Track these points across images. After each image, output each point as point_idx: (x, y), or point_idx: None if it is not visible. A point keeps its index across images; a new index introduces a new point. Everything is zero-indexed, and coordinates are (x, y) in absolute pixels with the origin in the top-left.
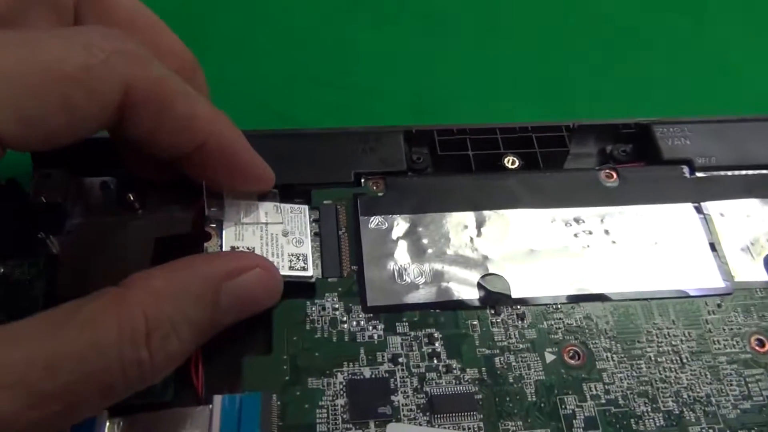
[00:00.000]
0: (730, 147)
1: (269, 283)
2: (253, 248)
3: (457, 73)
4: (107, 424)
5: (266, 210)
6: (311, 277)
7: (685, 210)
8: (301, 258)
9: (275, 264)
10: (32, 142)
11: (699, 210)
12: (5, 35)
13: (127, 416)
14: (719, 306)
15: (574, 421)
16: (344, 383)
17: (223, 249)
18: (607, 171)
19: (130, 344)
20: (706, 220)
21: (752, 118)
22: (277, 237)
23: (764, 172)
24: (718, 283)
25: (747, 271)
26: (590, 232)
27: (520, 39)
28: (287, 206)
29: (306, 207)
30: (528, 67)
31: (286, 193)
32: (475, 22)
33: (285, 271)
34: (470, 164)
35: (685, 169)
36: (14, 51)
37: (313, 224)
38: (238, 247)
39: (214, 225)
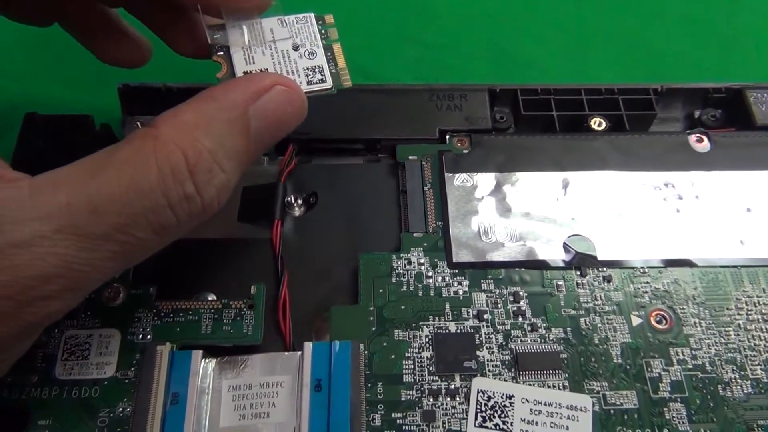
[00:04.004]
0: None
1: (291, 98)
2: (266, 69)
3: (541, 29)
4: (202, 363)
5: (271, 26)
6: (331, 87)
7: None
8: (317, 70)
9: (295, 83)
10: None
11: None
12: None
13: (219, 357)
14: None
15: (660, 384)
16: (430, 336)
17: (236, 75)
18: (698, 135)
19: (173, 181)
20: None
21: None
22: (288, 53)
23: None
24: None
25: None
26: (680, 197)
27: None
28: (292, 18)
29: (312, 14)
30: (615, 25)
31: (371, 149)
32: None
33: (304, 87)
34: (554, 124)
35: None
36: None
37: (397, 180)
38: (251, 71)
39: (221, 53)
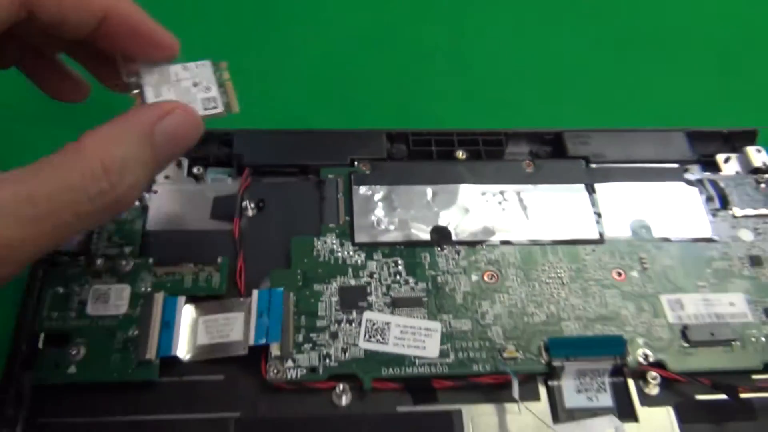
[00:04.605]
0: (619, 148)
1: (189, 119)
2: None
3: (429, 92)
4: (185, 306)
5: (176, 71)
6: (222, 111)
7: (579, 188)
8: (211, 100)
9: (193, 108)
10: None
11: (590, 189)
12: None
13: (197, 302)
14: (593, 250)
15: (486, 315)
16: (337, 288)
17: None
18: (527, 161)
19: (91, 181)
20: (593, 197)
21: (636, 129)
22: (189, 89)
23: (637, 165)
24: (594, 236)
25: (616, 230)
26: (507, 200)
27: (480, 66)
28: (192, 64)
29: (209, 61)
30: (484, 88)
31: (303, 171)
32: (446, 55)
33: (201, 112)
34: (432, 155)
35: (582, 163)
36: None
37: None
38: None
39: (136, 91)
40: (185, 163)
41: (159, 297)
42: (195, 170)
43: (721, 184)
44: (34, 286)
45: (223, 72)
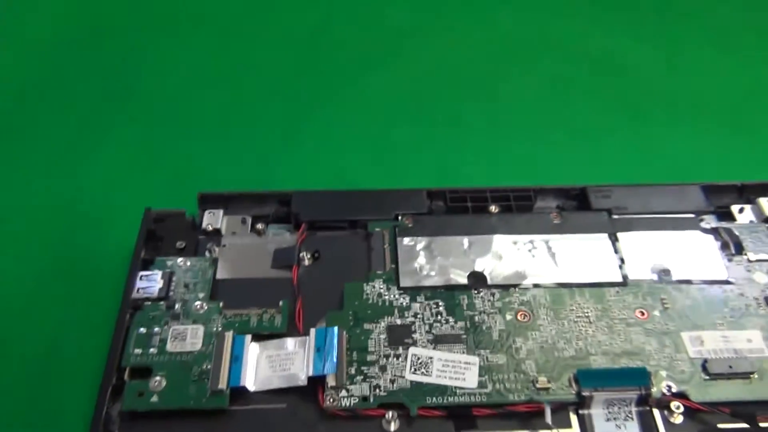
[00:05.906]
0: (638, 201)
1: None
2: None
3: (463, 154)
4: (251, 343)
5: None
6: None
7: (603, 237)
8: None
9: None
10: None
11: (613, 238)
12: None
13: (260, 341)
14: (617, 292)
15: (519, 351)
16: (385, 326)
17: None
18: (554, 213)
19: None
20: (616, 244)
21: (654, 184)
22: None
23: (656, 216)
24: (618, 279)
25: (638, 274)
26: (537, 248)
27: (512, 133)
28: None
29: None
30: (513, 148)
31: (353, 226)
32: (480, 125)
33: None
34: (468, 210)
35: (605, 214)
36: None
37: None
38: None
39: None
40: (249, 220)
41: (229, 335)
42: (258, 226)
43: (736, 232)
44: (122, 327)
45: None
